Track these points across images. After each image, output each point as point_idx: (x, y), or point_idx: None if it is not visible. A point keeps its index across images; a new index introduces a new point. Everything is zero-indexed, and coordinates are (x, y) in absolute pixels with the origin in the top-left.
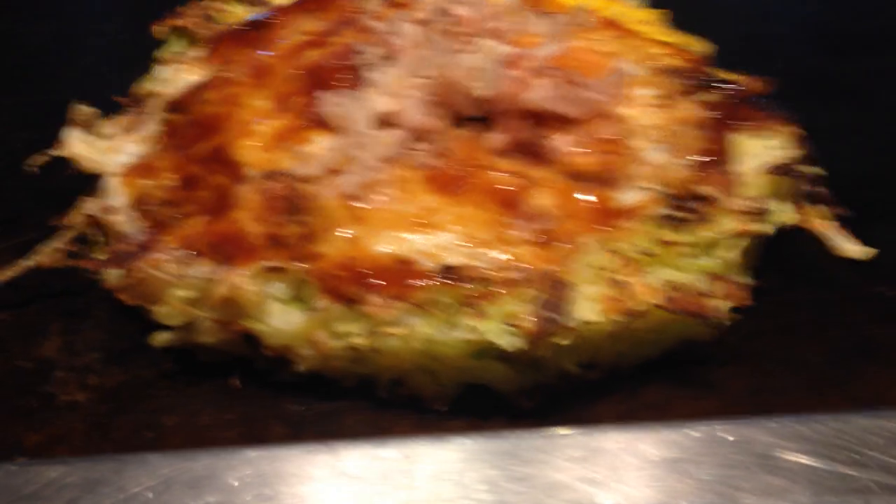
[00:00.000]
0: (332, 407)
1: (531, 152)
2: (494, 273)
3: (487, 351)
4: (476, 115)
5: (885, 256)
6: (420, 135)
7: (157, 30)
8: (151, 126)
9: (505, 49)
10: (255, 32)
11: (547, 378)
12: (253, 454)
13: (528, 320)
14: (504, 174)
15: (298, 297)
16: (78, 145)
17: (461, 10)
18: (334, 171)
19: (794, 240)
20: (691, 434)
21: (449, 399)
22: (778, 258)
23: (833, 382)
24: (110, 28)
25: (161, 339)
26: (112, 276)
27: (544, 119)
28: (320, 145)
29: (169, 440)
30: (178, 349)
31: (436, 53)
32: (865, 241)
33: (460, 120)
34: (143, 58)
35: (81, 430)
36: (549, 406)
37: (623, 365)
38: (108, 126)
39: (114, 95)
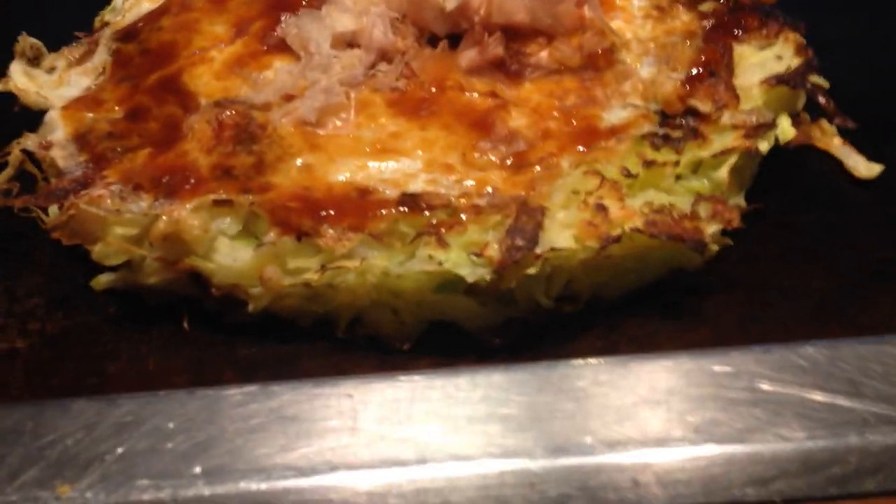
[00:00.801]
0: (287, 350)
1: (506, 70)
2: (460, 200)
3: (450, 284)
4: (447, 33)
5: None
6: (385, 55)
7: None
8: (102, 57)
9: None
10: None
11: (518, 312)
12: (183, 397)
13: (494, 248)
14: (475, 95)
15: (249, 232)
16: (21, 79)
17: None
18: (291, 97)
19: (797, 157)
20: (675, 366)
21: (413, 338)
22: (778, 177)
23: (836, 311)
24: None
25: (103, 281)
26: (49, 214)
27: (522, 33)
28: (278, 70)
29: (113, 387)
30: (125, 293)
31: None
32: (874, 160)
33: (430, 38)
34: None
35: (21, 378)
36: (521, 342)
37: (603, 296)
38: (56, 59)
39: (76, 31)
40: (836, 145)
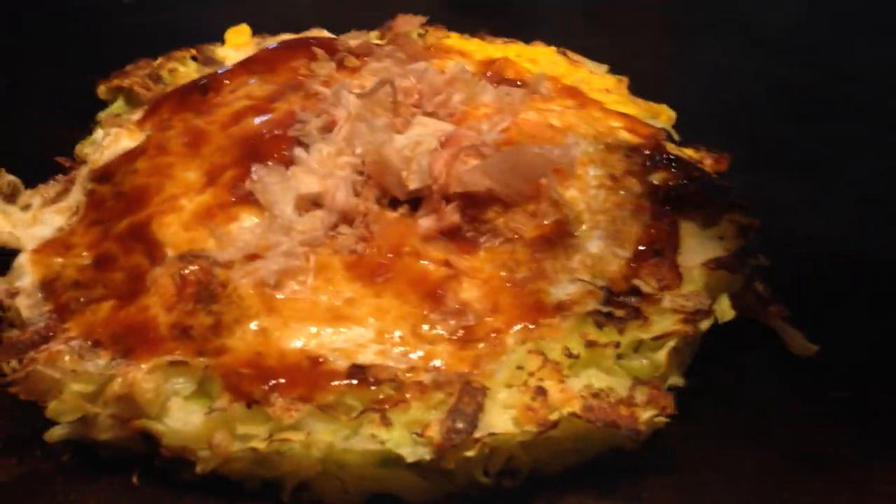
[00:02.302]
0: None
1: (462, 236)
2: (406, 374)
3: (394, 460)
4: (407, 198)
5: (839, 354)
6: (347, 216)
7: (103, 89)
8: (77, 196)
9: (445, 128)
10: (197, 95)
11: (459, 487)
12: None
13: (434, 429)
14: (430, 263)
15: (203, 392)
16: None
17: (407, 82)
18: (254, 256)
19: (739, 328)
20: None
21: None
22: (719, 350)
23: (769, 497)
24: (61, 80)
25: (55, 434)
26: (9, 366)
27: (479, 202)
28: (244, 226)
29: None
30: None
31: (372, 130)
32: (820, 335)
33: (391, 200)
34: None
35: None
36: None
37: (543, 472)
38: (32, 196)
39: (57, 156)
40: (772, 321)
